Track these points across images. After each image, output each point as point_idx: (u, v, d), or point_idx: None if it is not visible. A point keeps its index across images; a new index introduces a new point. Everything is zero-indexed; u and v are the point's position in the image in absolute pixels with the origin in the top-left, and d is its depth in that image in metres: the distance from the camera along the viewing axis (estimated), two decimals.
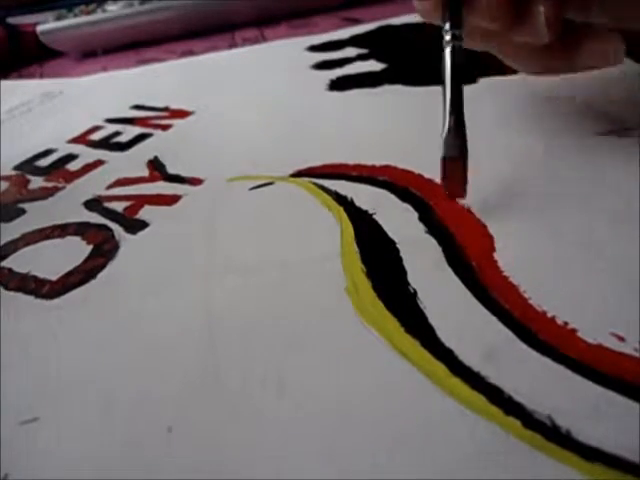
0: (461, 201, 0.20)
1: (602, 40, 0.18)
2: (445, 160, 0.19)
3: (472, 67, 0.30)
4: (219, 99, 0.35)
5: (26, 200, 0.27)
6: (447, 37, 0.19)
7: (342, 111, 0.29)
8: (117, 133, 0.33)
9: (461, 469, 0.12)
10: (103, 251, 0.22)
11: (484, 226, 0.18)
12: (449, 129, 0.19)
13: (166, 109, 0.35)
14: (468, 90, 0.29)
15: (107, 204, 0.25)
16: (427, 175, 0.22)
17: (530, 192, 0.20)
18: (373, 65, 0.35)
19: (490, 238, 0.18)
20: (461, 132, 0.19)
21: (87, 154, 0.31)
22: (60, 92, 0.44)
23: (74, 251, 0.22)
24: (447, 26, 0.19)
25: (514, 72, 0.23)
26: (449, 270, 0.17)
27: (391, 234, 0.19)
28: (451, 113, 0.19)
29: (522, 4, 0.18)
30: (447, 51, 0.19)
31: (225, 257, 0.20)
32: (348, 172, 0.23)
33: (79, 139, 0.34)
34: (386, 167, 0.23)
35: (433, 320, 0.15)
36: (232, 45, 0.48)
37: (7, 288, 0.21)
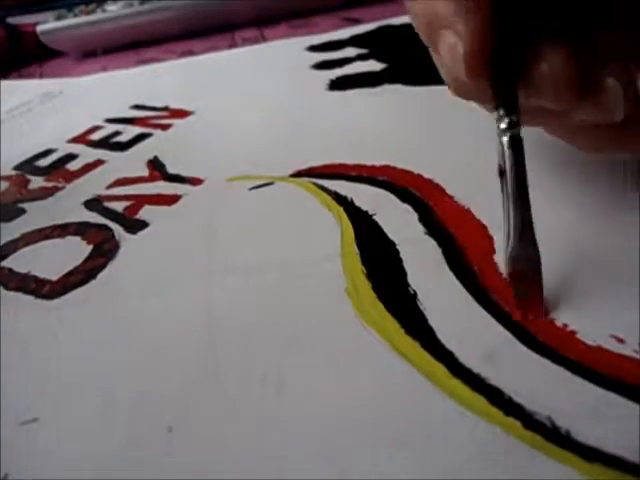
0: (462, 202, 0.20)
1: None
2: (515, 278, 0.15)
3: None
4: (219, 99, 0.35)
5: (26, 200, 0.27)
6: (502, 125, 0.15)
7: (342, 111, 0.30)
8: (117, 133, 0.33)
9: (461, 470, 0.12)
10: (103, 251, 0.22)
11: (484, 227, 0.18)
12: (517, 240, 0.15)
13: (166, 109, 0.35)
14: None
15: (107, 204, 0.25)
16: (427, 175, 0.22)
17: (530, 192, 0.19)
18: (373, 65, 0.35)
19: (490, 239, 0.18)
20: (531, 241, 0.15)
21: (87, 154, 0.31)
22: (60, 92, 0.44)
23: (74, 251, 0.22)
24: (501, 112, 0.15)
25: None
26: (449, 271, 0.17)
27: (391, 235, 0.19)
28: (516, 218, 0.15)
29: (589, 77, 0.14)
30: (505, 142, 0.15)
31: (225, 257, 0.20)
32: (348, 172, 0.23)
33: (79, 139, 0.34)
34: (386, 167, 0.23)
35: (433, 321, 0.15)
36: (232, 45, 0.48)
37: (7, 288, 0.21)
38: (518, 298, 0.15)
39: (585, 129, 0.16)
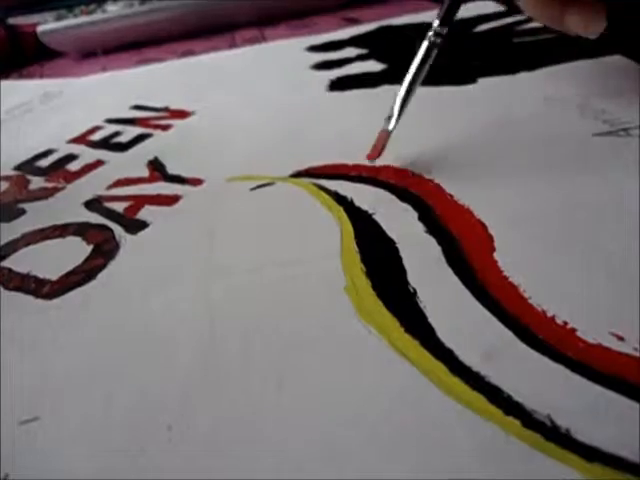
0: (462, 201, 0.20)
1: (587, 9, 0.20)
2: (382, 132, 0.23)
3: (472, 67, 0.31)
4: (219, 99, 0.35)
5: (26, 200, 0.27)
6: (431, 32, 0.22)
7: (342, 111, 0.30)
8: (117, 133, 0.33)
9: (461, 468, 0.12)
10: (103, 251, 0.22)
11: (484, 226, 0.18)
12: (395, 105, 0.23)
13: (166, 109, 0.35)
14: (468, 90, 0.29)
15: (107, 204, 0.25)
16: (427, 175, 0.22)
17: (530, 192, 0.20)
18: (373, 65, 0.35)
19: (490, 238, 0.18)
20: (399, 109, 0.23)
21: (87, 154, 0.31)
22: (60, 92, 0.44)
23: (74, 251, 0.22)
24: (437, 22, 0.22)
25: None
26: (449, 270, 0.17)
27: (391, 234, 0.19)
28: (403, 98, 0.22)
29: None
30: (425, 43, 0.22)
31: (225, 257, 0.20)
32: (348, 172, 0.23)
33: (79, 139, 0.34)
34: (386, 167, 0.23)
35: (433, 320, 0.15)
36: (232, 45, 0.48)
37: (7, 288, 0.21)
38: (374, 146, 0.23)
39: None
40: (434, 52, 0.22)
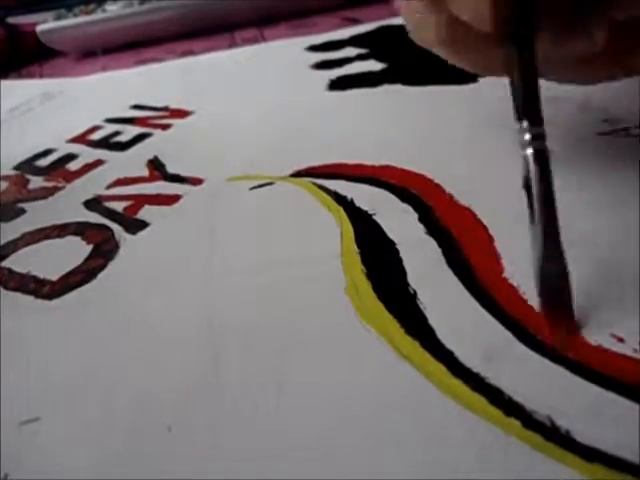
0: (462, 202, 0.20)
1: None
2: (547, 297, 0.14)
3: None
4: (219, 99, 0.35)
5: (26, 200, 0.27)
6: (527, 137, 0.15)
7: (342, 111, 0.29)
8: (117, 133, 0.33)
9: (461, 470, 0.12)
10: (103, 251, 0.22)
11: (484, 227, 0.18)
12: (546, 256, 0.14)
13: (166, 109, 0.35)
14: (468, 89, 0.29)
15: (107, 204, 0.25)
16: (427, 175, 0.22)
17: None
18: (373, 65, 0.35)
19: (490, 239, 0.18)
20: (559, 256, 0.14)
21: (87, 154, 0.31)
22: (60, 92, 0.44)
23: (74, 251, 0.22)
24: (525, 124, 0.15)
25: None
26: (449, 271, 0.17)
27: (391, 235, 0.19)
28: (545, 237, 0.14)
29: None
30: (529, 154, 0.15)
31: (225, 257, 0.20)
32: (348, 172, 0.23)
33: (79, 139, 0.34)
34: (386, 167, 0.23)
35: (433, 321, 0.15)
36: (232, 45, 0.48)
37: (7, 288, 0.21)
38: (549, 317, 0.14)
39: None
40: (547, 160, 0.15)
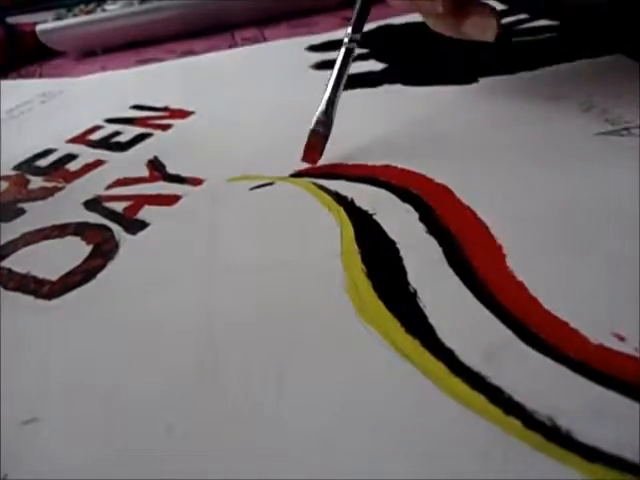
0: (462, 202, 0.20)
1: (481, 15, 0.22)
2: (312, 132, 0.24)
3: (472, 67, 0.31)
4: (219, 99, 0.35)
5: (26, 200, 0.27)
6: (346, 39, 0.24)
7: (342, 111, 0.29)
8: (117, 133, 0.33)
9: (461, 469, 0.12)
10: (103, 251, 0.22)
11: (485, 226, 0.18)
12: (323, 109, 0.24)
13: (166, 109, 0.35)
14: (468, 89, 0.29)
15: (107, 204, 0.25)
16: (427, 175, 0.22)
17: (530, 192, 0.20)
18: (373, 65, 0.35)
19: (491, 238, 0.18)
20: (330, 113, 0.24)
21: (87, 154, 0.31)
22: (60, 92, 0.44)
23: (74, 251, 0.22)
24: (349, 30, 0.24)
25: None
26: (449, 270, 0.17)
27: (391, 234, 0.19)
28: (329, 98, 0.24)
29: None
30: (342, 50, 0.24)
31: (225, 257, 0.20)
32: (348, 172, 0.23)
33: (79, 139, 0.34)
34: (386, 167, 0.23)
35: (433, 320, 0.15)
36: (232, 45, 0.48)
37: (7, 288, 0.21)
38: (306, 148, 0.24)
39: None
40: (352, 57, 0.24)
